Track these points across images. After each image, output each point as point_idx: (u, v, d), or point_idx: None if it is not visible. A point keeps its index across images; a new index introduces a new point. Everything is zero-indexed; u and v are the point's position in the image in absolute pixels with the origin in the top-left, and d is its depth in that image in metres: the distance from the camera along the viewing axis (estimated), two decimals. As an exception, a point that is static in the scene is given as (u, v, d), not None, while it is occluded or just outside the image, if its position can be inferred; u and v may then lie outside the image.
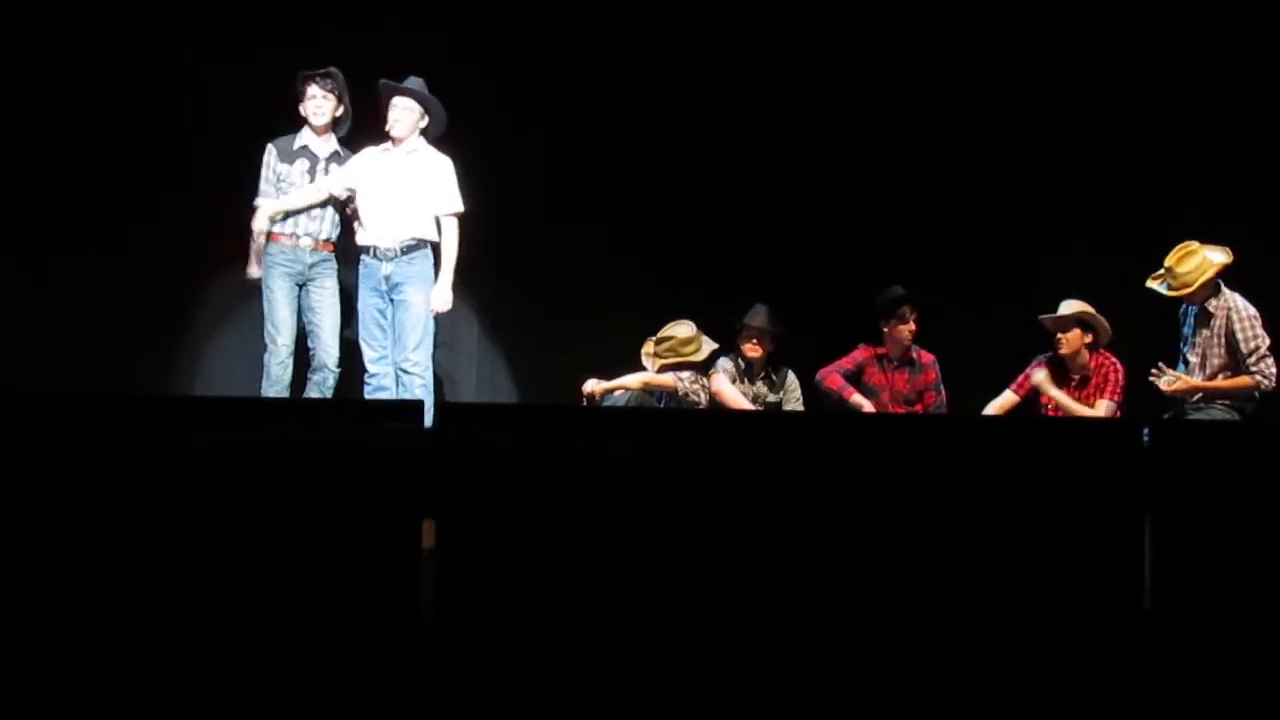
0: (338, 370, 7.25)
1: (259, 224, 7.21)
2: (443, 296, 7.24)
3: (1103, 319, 7.35)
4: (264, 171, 7.31)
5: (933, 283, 7.71)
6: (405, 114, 7.27)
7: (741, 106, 8.14)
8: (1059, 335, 7.34)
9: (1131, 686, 4.17)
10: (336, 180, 7.26)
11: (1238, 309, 6.89)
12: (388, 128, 7.28)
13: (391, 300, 7.21)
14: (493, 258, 7.72)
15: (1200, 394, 6.91)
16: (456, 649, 3.83)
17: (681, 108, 8.07)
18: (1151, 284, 7.07)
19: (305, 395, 7.21)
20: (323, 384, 7.23)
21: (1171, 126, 7.99)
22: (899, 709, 4.09)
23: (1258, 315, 6.91)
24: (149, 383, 7.78)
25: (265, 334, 7.21)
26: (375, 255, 7.21)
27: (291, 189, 7.25)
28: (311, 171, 7.29)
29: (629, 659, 4.01)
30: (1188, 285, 6.93)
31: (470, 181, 7.36)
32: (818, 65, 8.10)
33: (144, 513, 3.95)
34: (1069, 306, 7.35)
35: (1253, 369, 6.86)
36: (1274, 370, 6.87)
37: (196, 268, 7.86)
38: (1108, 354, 7.36)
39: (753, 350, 7.66)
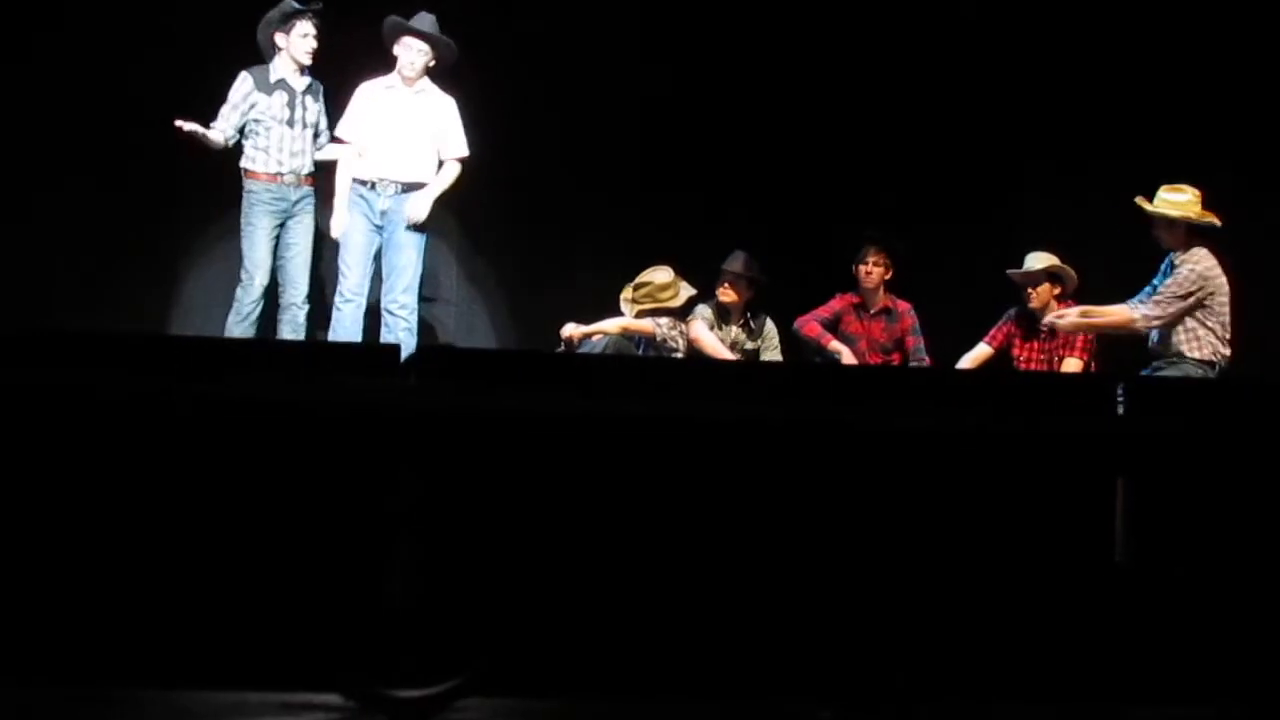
0: (306, 306, 7.20)
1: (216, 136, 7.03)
2: (423, 204, 7.16)
3: (1070, 270, 7.36)
4: (232, 97, 7.12)
5: (912, 234, 7.73)
6: (420, 56, 7.17)
7: (724, 58, 8.13)
8: (1029, 289, 7.37)
9: (1104, 639, 4.21)
10: (351, 134, 7.16)
11: (1196, 262, 6.76)
12: (398, 68, 7.18)
13: (381, 236, 7.14)
14: (472, 203, 7.69)
15: (1086, 326, 6.97)
16: (433, 613, 3.84)
17: (664, 56, 8.06)
18: (1139, 200, 6.95)
19: (279, 334, 7.17)
20: (294, 321, 7.16)
21: (1152, 89, 7.99)
22: (881, 667, 4.13)
23: (1213, 281, 6.74)
24: (129, 315, 7.73)
25: (243, 269, 7.10)
26: (374, 189, 7.13)
27: (271, 122, 7.10)
28: (290, 105, 7.17)
29: (607, 620, 4.03)
30: (1159, 209, 6.80)
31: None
32: (799, 22, 8.08)
33: (104, 457, 3.93)
34: (1036, 259, 7.35)
35: (1144, 302, 6.77)
36: (1158, 316, 6.73)
37: (175, 196, 7.75)
38: (1075, 305, 7.36)
39: (727, 294, 7.68)
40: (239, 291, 7.10)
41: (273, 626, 3.90)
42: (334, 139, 7.25)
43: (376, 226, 7.15)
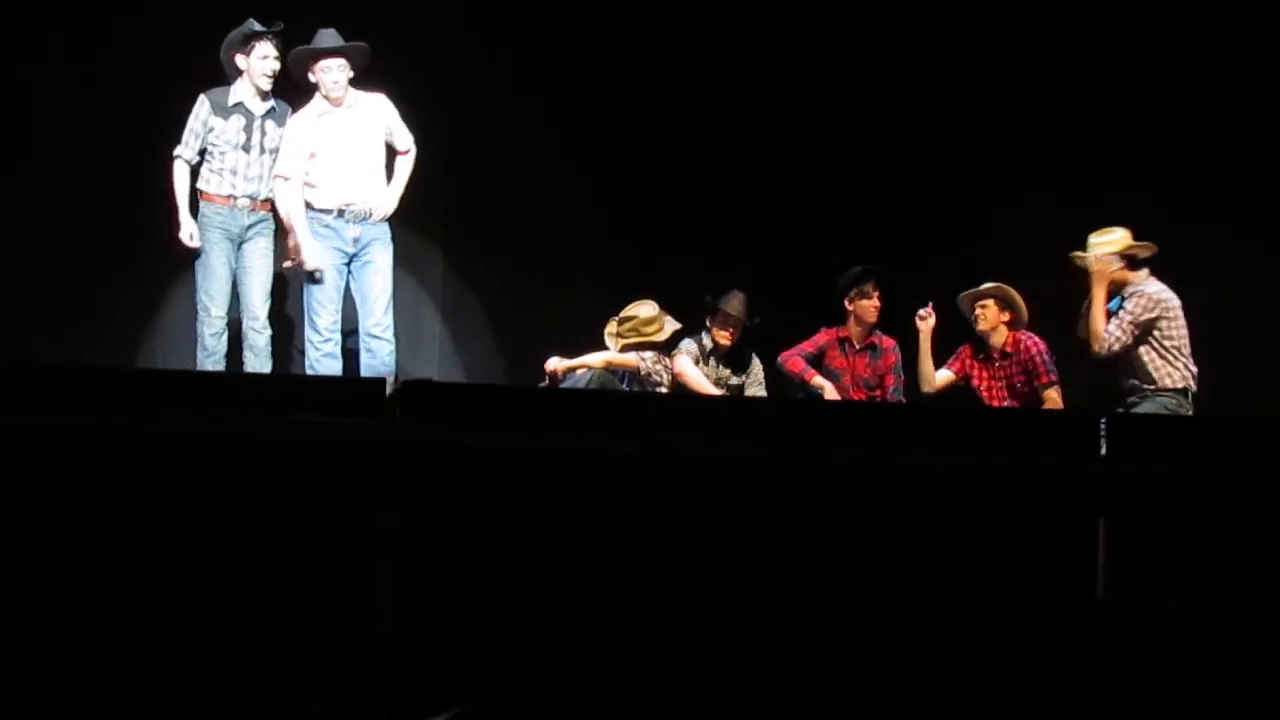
0: (267, 331, 6.99)
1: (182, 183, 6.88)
2: (391, 201, 7.06)
3: (1019, 297, 7.39)
4: (192, 122, 6.97)
5: (893, 267, 7.76)
6: (341, 73, 7.00)
7: (708, 92, 8.16)
8: (976, 309, 7.40)
9: (1086, 672, 4.22)
10: (292, 170, 6.96)
11: (1144, 292, 6.85)
12: (324, 92, 7.01)
13: (351, 264, 7.01)
14: (456, 236, 7.70)
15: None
16: (414, 647, 3.84)
17: (649, 90, 8.08)
18: (1073, 254, 7.03)
19: (245, 366, 6.97)
20: (254, 347, 6.96)
21: (1134, 121, 8.04)
22: (866, 698, 4.13)
23: (1166, 307, 6.82)
24: (96, 356, 7.70)
25: (198, 302, 6.94)
26: (341, 216, 6.98)
27: (226, 146, 6.94)
28: (248, 130, 6.99)
29: (590, 654, 4.02)
30: (1089, 252, 6.92)
31: (428, 153, 7.30)
32: (788, 54, 8.12)
33: (85, 495, 3.92)
34: (986, 286, 7.41)
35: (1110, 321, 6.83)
36: (1116, 338, 6.80)
37: (131, 232, 7.67)
38: (1027, 333, 7.40)
39: (724, 337, 7.66)
40: (200, 327, 6.94)
41: (256, 661, 3.89)
42: (275, 177, 7.03)
43: (345, 257, 7.01)
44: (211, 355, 6.90)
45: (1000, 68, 8.14)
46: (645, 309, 7.57)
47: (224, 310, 6.93)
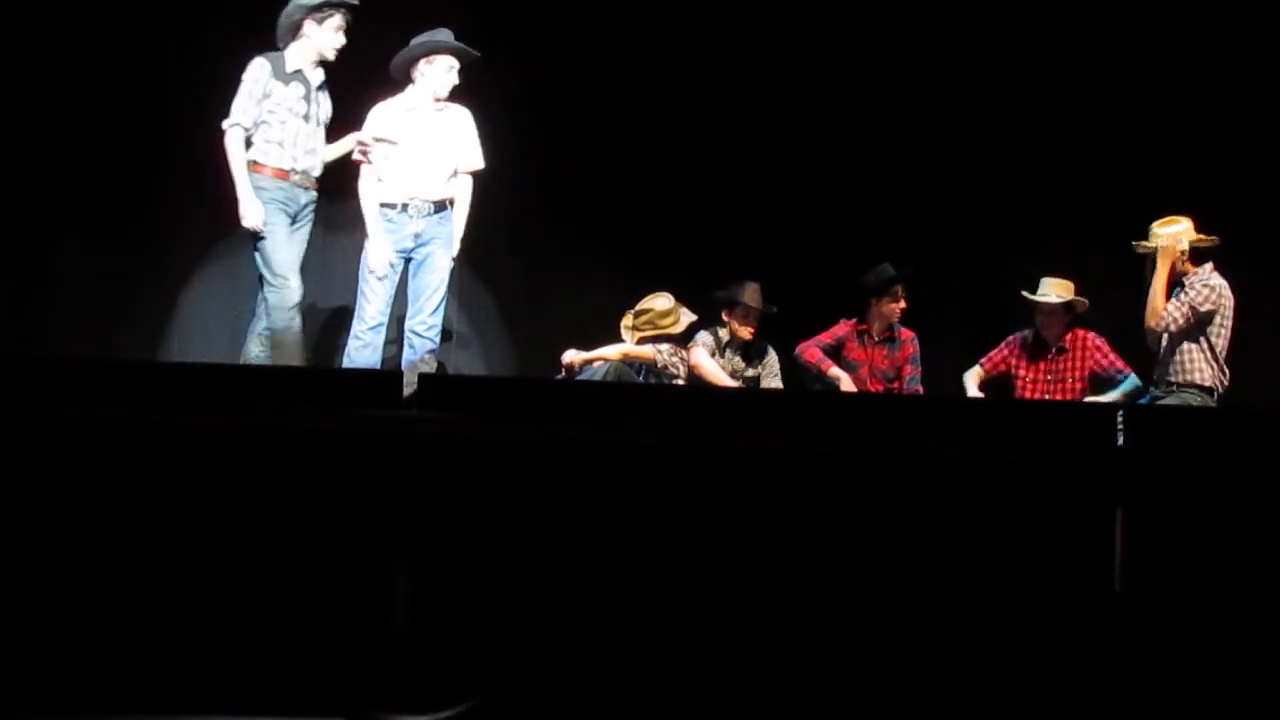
0: (294, 310, 6.61)
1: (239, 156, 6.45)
2: (458, 238, 7.03)
3: (1083, 300, 7.40)
4: (250, 87, 6.56)
5: (911, 260, 7.76)
6: (452, 74, 6.95)
7: (724, 82, 8.15)
8: (1041, 317, 7.40)
9: (1103, 666, 4.22)
10: (380, 134, 6.84)
11: (1210, 284, 6.86)
12: (430, 88, 6.96)
13: (410, 259, 6.95)
14: (472, 227, 7.68)
15: None
16: (433, 641, 3.85)
17: (663, 82, 8.09)
18: (1135, 243, 7.03)
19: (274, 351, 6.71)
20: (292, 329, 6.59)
21: (1154, 104, 8.03)
22: (877, 689, 4.13)
23: (1226, 305, 6.85)
24: (123, 344, 7.73)
25: (270, 275, 6.51)
26: (405, 210, 6.90)
27: (286, 114, 6.59)
28: (306, 99, 6.67)
29: (611, 651, 4.03)
30: (1152, 241, 6.92)
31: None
32: (802, 48, 8.12)
33: (103, 486, 3.94)
34: (1051, 287, 7.39)
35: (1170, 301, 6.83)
36: (1174, 318, 6.80)
37: (166, 208, 7.66)
38: (1083, 329, 7.42)
39: (748, 329, 7.65)
40: (271, 298, 6.51)
41: (272, 653, 3.90)
42: (361, 153, 6.90)
43: (402, 250, 6.95)
44: (286, 329, 6.51)
45: (1022, 59, 8.14)
46: (661, 301, 7.57)
47: (301, 281, 6.58)
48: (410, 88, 7.08)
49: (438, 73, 7.00)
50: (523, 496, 4.05)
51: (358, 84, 7.09)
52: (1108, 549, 4.27)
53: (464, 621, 3.94)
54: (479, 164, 7.15)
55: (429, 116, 7.06)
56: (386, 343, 7.04)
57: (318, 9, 6.66)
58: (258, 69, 6.57)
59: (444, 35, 7.04)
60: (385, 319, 6.91)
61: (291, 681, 3.88)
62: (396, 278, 6.97)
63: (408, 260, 6.98)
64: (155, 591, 3.91)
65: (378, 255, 6.87)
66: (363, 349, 6.85)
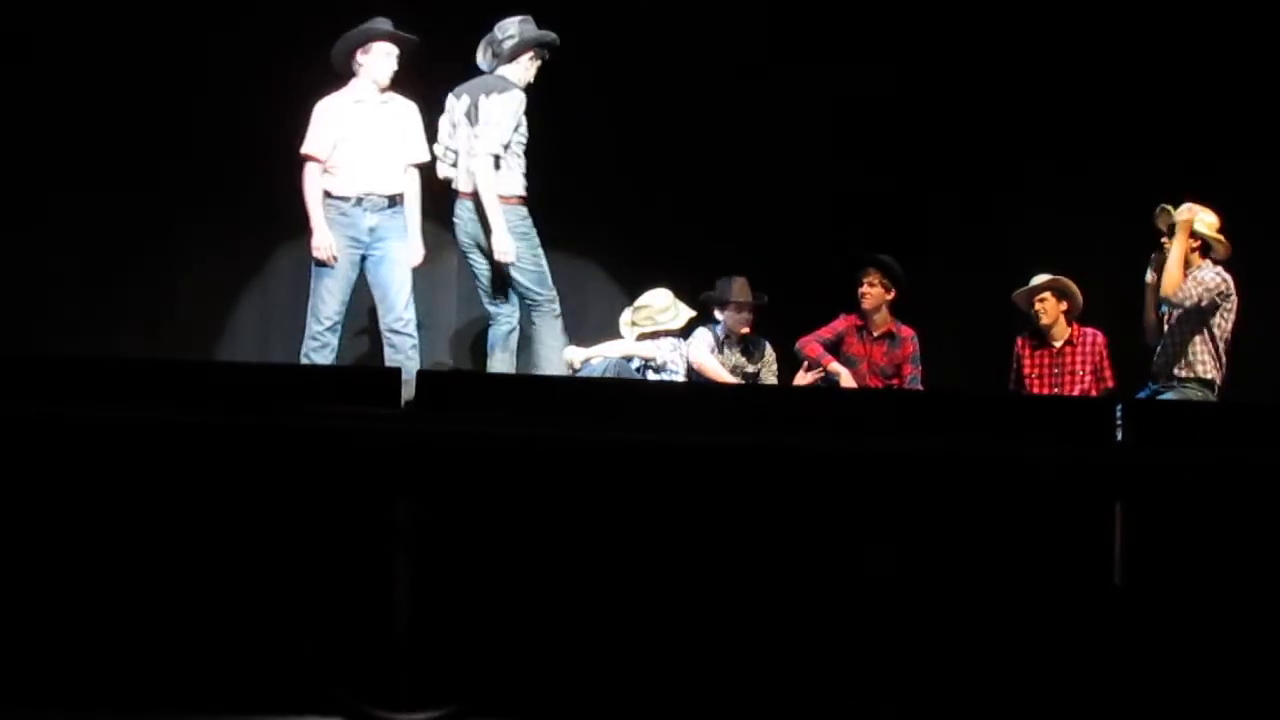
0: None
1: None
2: (418, 251, 7.00)
3: (1074, 286, 7.39)
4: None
5: (908, 256, 7.76)
6: (394, 62, 6.94)
7: (718, 80, 8.14)
8: (1035, 304, 7.40)
9: (1103, 660, 4.22)
10: (323, 152, 6.90)
11: (1220, 274, 6.85)
12: (371, 78, 6.92)
13: (366, 259, 6.89)
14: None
15: None
16: (432, 638, 3.85)
17: (657, 80, 8.08)
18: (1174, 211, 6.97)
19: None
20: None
21: (1143, 91, 8.02)
22: (877, 686, 4.14)
23: (1232, 298, 6.84)
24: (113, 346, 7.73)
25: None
26: (359, 204, 6.86)
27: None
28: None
29: (605, 646, 4.03)
30: (1166, 228, 6.89)
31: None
32: (792, 35, 8.12)
33: (103, 483, 3.94)
34: (1039, 279, 7.40)
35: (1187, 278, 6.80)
36: (1186, 295, 6.77)
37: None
38: (1091, 327, 7.43)
39: (744, 323, 7.66)
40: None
41: (271, 650, 3.90)
42: (304, 158, 6.94)
43: (359, 246, 6.90)
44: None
45: (1019, 54, 8.13)
46: (660, 297, 7.57)
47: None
48: (354, 80, 7.01)
49: (375, 60, 6.95)
50: (523, 494, 4.05)
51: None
52: (1107, 543, 4.26)
53: (464, 621, 3.94)
54: (424, 156, 7.05)
55: (375, 109, 7.00)
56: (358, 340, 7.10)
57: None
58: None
59: (382, 23, 7.00)
60: (341, 319, 6.88)
61: (291, 681, 3.88)
62: (354, 275, 6.91)
63: (364, 258, 6.92)
64: (155, 591, 3.91)
65: (322, 243, 6.83)
66: (320, 349, 6.81)
